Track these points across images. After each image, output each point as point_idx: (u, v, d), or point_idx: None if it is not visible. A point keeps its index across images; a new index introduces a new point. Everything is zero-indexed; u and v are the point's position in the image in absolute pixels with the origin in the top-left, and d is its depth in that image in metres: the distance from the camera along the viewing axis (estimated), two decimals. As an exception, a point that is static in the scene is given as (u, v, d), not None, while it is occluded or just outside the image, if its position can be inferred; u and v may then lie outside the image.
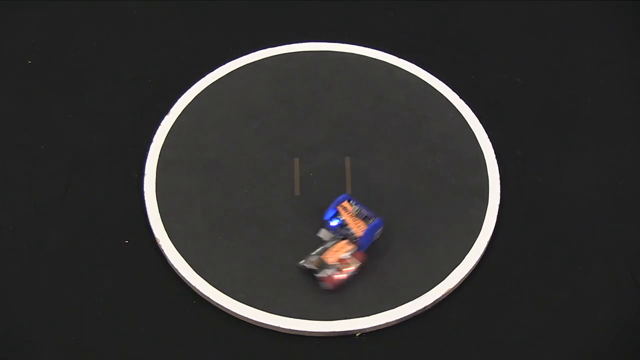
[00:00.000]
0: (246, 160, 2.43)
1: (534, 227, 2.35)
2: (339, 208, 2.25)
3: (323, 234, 2.26)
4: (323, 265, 2.18)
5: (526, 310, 2.20)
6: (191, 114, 2.52)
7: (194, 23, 2.80)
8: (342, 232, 2.23)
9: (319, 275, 2.17)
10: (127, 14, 2.81)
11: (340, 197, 2.27)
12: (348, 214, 2.24)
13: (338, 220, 2.24)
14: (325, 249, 2.21)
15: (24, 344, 2.13)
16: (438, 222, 2.32)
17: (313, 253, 2.21)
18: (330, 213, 2.24)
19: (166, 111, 2.52)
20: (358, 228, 2.21)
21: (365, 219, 2.23)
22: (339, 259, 2.19)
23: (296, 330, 2.14)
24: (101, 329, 2.15)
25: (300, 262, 2.20)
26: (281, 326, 2.14)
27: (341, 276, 2.18)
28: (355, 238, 2.21)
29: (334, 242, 2.23)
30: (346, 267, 2.18)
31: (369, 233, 2.22)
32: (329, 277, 2.17)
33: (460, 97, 2.57)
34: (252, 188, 2.37)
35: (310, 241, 2.26)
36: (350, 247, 2.21)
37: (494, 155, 2.45)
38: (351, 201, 2.26)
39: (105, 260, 2.26)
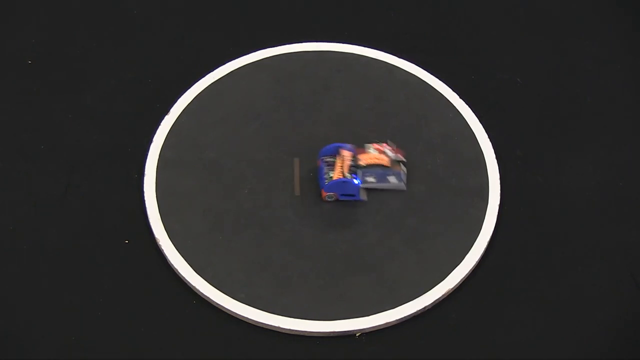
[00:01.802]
0: (246, 160, 2.43)
1: (534, 227, 2.35)
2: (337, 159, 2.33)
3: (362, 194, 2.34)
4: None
5: (526, 311, 2.20)
6: (191, 114, 2.52)
7: (194, 23, 2.80)
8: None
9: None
10: (127, 14, 2.81)
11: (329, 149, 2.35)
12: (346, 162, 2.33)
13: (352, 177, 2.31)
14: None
15: (24, 344, 2.13)
16: (438, 222, 2.32)
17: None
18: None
19: (166, 111, 2.52)
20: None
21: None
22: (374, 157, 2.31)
23: (296, 330, 2.14)
24: (101, 329, 2.15)
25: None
26: (281, 326, 2.14)
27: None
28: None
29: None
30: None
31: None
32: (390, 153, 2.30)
33: (460, 97, 2.57)
34: (252, 188, 2.37)
35: (310, 241, 2.26)
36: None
37: (494, 155, 2.45)
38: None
39: (105, 260, 2.26)
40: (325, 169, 2.31)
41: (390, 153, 2.31)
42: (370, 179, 2.31)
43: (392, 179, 2.31)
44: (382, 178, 2.31)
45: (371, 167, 2.31)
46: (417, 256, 2.26)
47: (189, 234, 2.29)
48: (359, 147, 2.35)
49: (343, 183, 2.28)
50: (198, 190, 2.37)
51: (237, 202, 2.34)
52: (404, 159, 2.34)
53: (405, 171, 2.34)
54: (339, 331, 2.14)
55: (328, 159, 2.33)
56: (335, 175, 2.28)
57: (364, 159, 2.31)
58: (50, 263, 2.25)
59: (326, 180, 2.29)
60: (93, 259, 2.26)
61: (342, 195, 2.31)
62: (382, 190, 2.35)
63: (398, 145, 2.41)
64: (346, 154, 2.31)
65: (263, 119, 2.52)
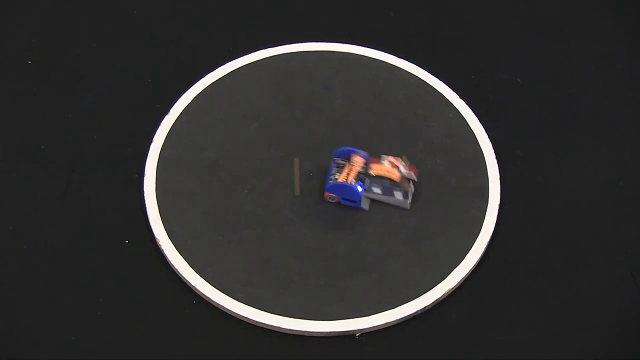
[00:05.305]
0: (246, 160, 2.43)
1: (534, 227, 2.35)
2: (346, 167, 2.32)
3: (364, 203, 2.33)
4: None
5: (526, 310, 2.20)
6: (191, 114, 2.52)
7: (194, 23, 2.80)
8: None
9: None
10: (127, 14, 2.82)
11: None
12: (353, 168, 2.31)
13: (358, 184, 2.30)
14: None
15: (24, 344, 2.13)
16: (438, 222, 2.32)
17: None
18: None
19: (166, 111, 2.52)
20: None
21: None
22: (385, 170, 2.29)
23: (296, 330, 2.14)
24: (101, 329, 2.15)
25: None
26: (281, 326, 2.14)
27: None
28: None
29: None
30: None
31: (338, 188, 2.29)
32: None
33: (460, 97, 2.57)
34: (252, 188, 2.37)
35: (310, 241, 2.26)
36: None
37: (494, 155, 2.45)
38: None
39: (105, 260, 2.26)
40: (334, 169, 2.31)
41: (403, 169, 2.29)
42: (376, 190, 2.30)
43: (398, 195, 2.30)
44: (388, 191, 2.30)
45: (380, 179, 2.30)
46: (417, 256, 2.26)
47: (189, 234, 2.29)
48: (374, 156, 2.34)
49: (344, 187, 2.28)
50: (198, 190, 2.37)
51: (237, 202, 2.34)
52: (415, 178, 2.32)
53: (413, 190, 2.33)
54: (339, 331, 2.14)
55: (340, 161, 2.32)
56: (341, 178, 2.27)
57: (375, 169, 2.29)
58: (50, 263, 2.25)
59: (331, 181, 2.29)
60: (93, 259, 2.26)
61: (344, 199, 2.31)
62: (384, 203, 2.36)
63: (397, 145, 2.41)
64: (358, 160, 2.30)
65: (263, 119, 2.52)
